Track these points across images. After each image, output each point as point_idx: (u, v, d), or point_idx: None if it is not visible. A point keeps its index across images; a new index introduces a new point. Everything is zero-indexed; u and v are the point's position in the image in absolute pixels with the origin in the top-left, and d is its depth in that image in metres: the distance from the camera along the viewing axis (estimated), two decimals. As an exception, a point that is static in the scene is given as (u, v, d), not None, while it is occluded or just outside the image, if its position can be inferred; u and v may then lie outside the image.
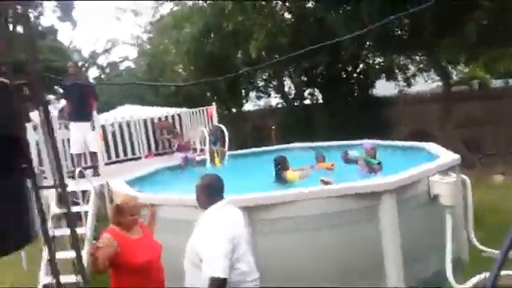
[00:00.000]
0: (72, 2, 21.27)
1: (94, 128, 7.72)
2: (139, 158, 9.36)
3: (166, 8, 17.38)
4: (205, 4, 14.30)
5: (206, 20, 13.35)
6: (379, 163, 6.07)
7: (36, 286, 5.50)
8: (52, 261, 2.09)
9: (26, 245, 1.82)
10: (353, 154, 6.40)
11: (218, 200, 3.04)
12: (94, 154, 7.84)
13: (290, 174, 6.25)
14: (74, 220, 2.01)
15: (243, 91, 17.88)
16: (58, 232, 5.36)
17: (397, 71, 15.06)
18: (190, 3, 15.47)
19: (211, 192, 3.05)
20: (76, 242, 3.06)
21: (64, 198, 2.08)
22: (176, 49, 15.65)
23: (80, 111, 7.48)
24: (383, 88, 15.75)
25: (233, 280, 2.78)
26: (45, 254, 5.62)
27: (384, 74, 15.30)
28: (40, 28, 22.24)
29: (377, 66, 15.59)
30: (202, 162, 8.40)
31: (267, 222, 4.24)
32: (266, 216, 4.23)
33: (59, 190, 2.11)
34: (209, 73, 13.82)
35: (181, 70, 17.02)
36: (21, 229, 1.82)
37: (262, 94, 18.28)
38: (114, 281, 3.20)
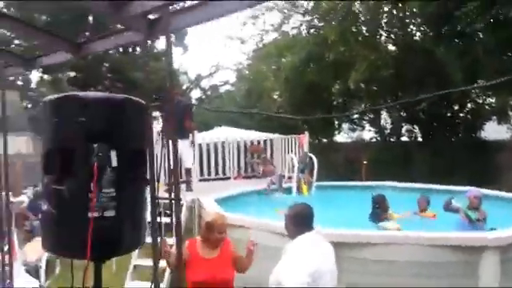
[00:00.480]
0: (186, 30, 23.15)
1: (193, 145, 8.13)
2: (228, 178, 9.62)
3: (270, 37, 18.03)
4: (307, 34, 14.53)
5: (307, 49, 13.53)
6: (478, 219, 5.43)
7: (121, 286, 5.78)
8: (155, 269, 2.17)
9: (135, 249, 1.93)
10: (455, 204, 5.77)
11: (307, 230, 2.92)
12: (188, 170, 8.23)
13: (391, 224, 5.68)
14: (180, 230, 2.09)
15: (336, 122, 17.62)
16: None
17: (511, 113, 13.63)
18: (294, 32, 15.85)
19: (300, 222, 2.95)
20: (157, 253, 3.19)
21: (176, 210, 2.20)
22: (274, 76, 16.06)
23: (180, 129, 7.94)
24: (493, 131, 14.32)
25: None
26: (133, 260, 5.92)
27: (495, 116, 13.94)
28: (155, 51, 24.55)
29: (487, 107, 14.29)
30: (288, 190, 8.32)
31: (356, 261, 3.99)
32: (355, 254, 3.99)
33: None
34: (305, 101, 13.86)
35: (276, 97, 17.39)
36: (134, 233, 1.96)
37: (355, 126, 17.82)
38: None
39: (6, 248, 3.20)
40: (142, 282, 5.59)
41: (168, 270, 5.42)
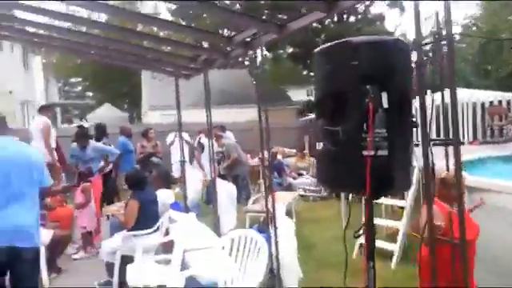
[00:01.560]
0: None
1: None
2: (462, 143, 8.68)
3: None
4: None
5: None
6: None
7: (352, 243, 5.95)
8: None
9: (405, 190, 1.98)
10: None
11: None
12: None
13: None
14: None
15: None
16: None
17: None
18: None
19: None
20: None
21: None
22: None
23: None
24: None
25: None
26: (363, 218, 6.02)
27: None
28: (369, 16, 23.90)
29: None
30: None
31: None
32: None
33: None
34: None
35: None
36: (405, 174, 2.03)
37: None
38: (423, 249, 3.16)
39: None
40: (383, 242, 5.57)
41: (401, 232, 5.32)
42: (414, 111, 2.08)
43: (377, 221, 5.66)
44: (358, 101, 1.87)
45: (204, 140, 8.56)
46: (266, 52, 27.47)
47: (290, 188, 9.07)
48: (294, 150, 11.45)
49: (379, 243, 5.40)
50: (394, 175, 1.93)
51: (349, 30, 21.34)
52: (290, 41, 23.82)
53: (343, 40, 1.96)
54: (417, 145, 2.15)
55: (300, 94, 34.62)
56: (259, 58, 4.04)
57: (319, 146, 2.10)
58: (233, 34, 4.15)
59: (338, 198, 8.43)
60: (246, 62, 28.91)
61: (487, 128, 8.87)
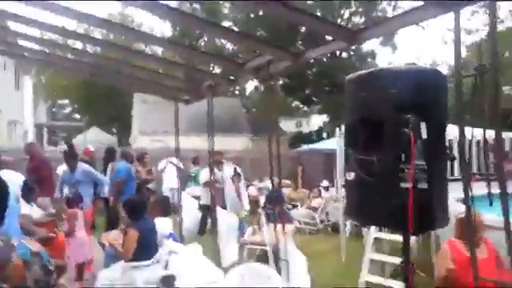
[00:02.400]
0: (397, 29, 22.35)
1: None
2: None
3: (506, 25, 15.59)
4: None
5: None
6: None
7: (354, 280, 5.75)
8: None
9: (443, 226, 1.87)
10: None
11: None
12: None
13: None
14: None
15: None
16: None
17: None
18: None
19: None
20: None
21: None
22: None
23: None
24: None
25: None
26: (367, 253, 5.81)
27: None
28: (361, 52, 24.48)
29: None
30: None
31: None
32: None
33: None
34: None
35: (510, 92, 14.92)
36: (444, 209, 1.94)
37: None
38: None
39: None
40: (379, 278, 5.42)
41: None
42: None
43: (379, 257, 5.51)
44: (396, 130, 1.79)
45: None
46: (256, 82, 27.86)
47: (287, 219, 8.84)
48: (288, 181, 11.31)
49: (381, 280, 5.24)
50: (433, 210, 1.83)
51: (342, 66, 21.77)
52: (283, 72, 24.18)
53: (381, 68, 1.91)
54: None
55: (290, 125, 34.92)
56: (252, 88, 3.97)
57: (349, 175, 2.00)
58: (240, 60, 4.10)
59: (334, 231, 8.27)
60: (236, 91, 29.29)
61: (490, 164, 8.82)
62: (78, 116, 35.24)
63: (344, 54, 24.77)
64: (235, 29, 22.28)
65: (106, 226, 6.59)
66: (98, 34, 20.91)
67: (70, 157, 6.13)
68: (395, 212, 1.78)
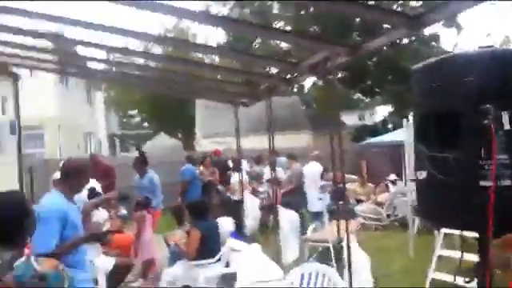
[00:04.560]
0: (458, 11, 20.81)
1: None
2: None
3: None
4: None
5: None
6: None
7: (422, 276, 5.44)
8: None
9: None
10: None
11: None
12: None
13: None
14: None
15: None
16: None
17: None
18: None
19: None
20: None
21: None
22: None
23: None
24: None
25: None
26: (437, 250, 5.50)
27: None
28: (423, 36, 23.10)
29: None
30: None
31: None
32: None
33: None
34: None
35: None
36: None
37: None
38: None
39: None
40: (448, 275, 5.06)
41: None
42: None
43: (448, 253, 5.17)
44: (474, 122, 1.62)
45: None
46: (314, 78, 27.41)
47: (351, 215, 8.59)
48: (354, 176, 10.98)
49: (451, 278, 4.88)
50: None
51: (402, 52, 20.72)
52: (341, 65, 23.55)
53: (453, 54, 1.73)
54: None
55: (352, 119, 33.98)
56: (310, 84, 3.86)
57: (421, 174, 1.85)
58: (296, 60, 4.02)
59: (402, 227, 7.92)
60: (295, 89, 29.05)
61: None
62: (146, 124, 37.15)
63: (405, 40, 23.56)
64: (288, 28, 22.16)
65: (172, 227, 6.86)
66: (158, 49, 21.87)
67: (138, 163, 6.33)
68: (475, 213, 1.60)
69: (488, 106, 1.58)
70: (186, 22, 29.05)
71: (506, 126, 1.61)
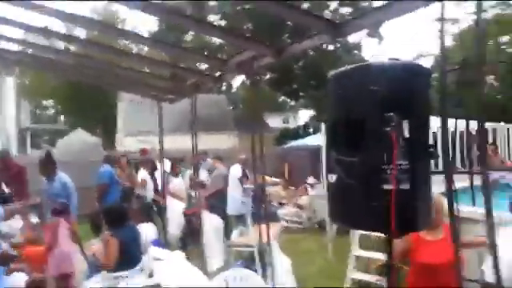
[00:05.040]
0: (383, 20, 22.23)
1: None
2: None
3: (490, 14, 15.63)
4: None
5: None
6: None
7: (341, 277, 5.72)
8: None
9: (426, 227, 1.81)
10: None
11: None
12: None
13: None
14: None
15: None
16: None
17: None
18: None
19: None
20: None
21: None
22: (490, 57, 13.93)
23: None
24: None
25: None
26: (353, 251, 5.79)
27: None
28: (346, 44, 24.39)
29: None
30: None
31: None
32: None
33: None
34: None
35: (493, 81, 15.08)
36: (426, 210, 1.85)
37: None
38: (409, 276, 3.17)
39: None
40: (365, 275, 5.39)
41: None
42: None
43: (361, 253, 5.48)
44: (378, 129, 1.72)
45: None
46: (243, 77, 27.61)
47: (274, 218, 8.78)
48: (277, 179, 11.21)
49: (368, 277, 5.20)
50: (417, 211, 1.77)
51: (328, 59, 21.68)
52: (269, 67, 24.01)
53: (362, 64, 1.82)
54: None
55: (276, 121, 34.80)
56: (238, 83, 3.88)
57: (331, 178, 1.92)
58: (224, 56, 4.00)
59: (321, 228, 8.23)
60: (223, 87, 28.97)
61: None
62: (62, 118, 34.67)
63: (330, 47, 24.72)
64: (222, 22, 22.05)
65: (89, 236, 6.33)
66: (81, 32, 20.49)
67: (46, 165, 5.48)
68: (377, 214, 1.70)
69: (390, 114, 1.69)
70: (116, 5, 27.62)
71: (407, 134, 1.73)
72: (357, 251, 5.75)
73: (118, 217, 4.27)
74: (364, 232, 5.33)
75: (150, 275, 4.12)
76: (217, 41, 20.91)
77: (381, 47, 34.84)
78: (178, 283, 3.65)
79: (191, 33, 22.35)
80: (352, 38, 23.65)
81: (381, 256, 5.47)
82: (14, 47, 4.66)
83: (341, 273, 5.45)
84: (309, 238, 8.03)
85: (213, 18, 21.45)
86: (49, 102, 34.95)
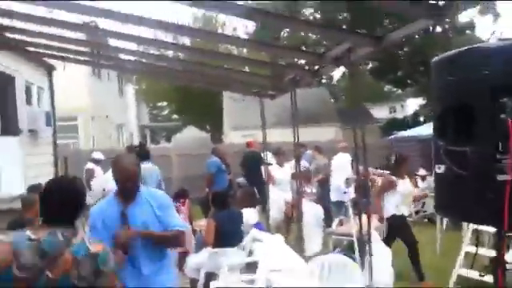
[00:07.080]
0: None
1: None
2: None
3: None
4: None
5: None
6: None
7: (448, 273, 5.33)
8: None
9: None
10: None
11: None
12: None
13: None
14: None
15: None
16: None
17: None
18: None
19: None
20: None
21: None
22: None
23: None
24: None
25: None
26: (464, 246, 5.36)
27: None
28: (457, 25, 22.28)
29: None
30: None
31: None
32: None
33: None
34: None
35: None
36: None
37: None
38: None
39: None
40: (473, 272, 4.92)
41: None
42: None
43: (472, 249, 5.03)
44: (491, 116, 1.59)
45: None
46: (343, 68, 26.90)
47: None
48: (382, 171, 10.77)
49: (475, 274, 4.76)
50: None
51: (435, 42, 20.08)
52: (370, 56, 23.06)
53: (470, 47, 1.70)
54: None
55: (382, 111, 33.26)
56: (339, 75, 3.82)
57: (439, 168, 1.84)
58: (322, 50, 4.01)
59: (431, 222, 7.78)
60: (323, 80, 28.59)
61: None
62: (175, 116, 37.73)
63: (438, 29, 22.81)
64: (317, 15, 21.77)
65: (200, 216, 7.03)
66: (186, 39, 22.03)
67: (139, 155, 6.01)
68: (490, 207, 1.59)
69: (506, 99, 1.56)
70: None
71: (524, 121, 1.58)
72: (467, 247, 5.31)
73: (219, 201, 4.74)
74: (477, 227, 4.92)
75: (250, 253, 4.37)
76: (313, 36, 20.73)
77: (497, 25, 30.98)
78: (275, 262, 3.80)
79: (286, 29, 22.48)
80: (463, 17, 21.47)
81: (492, 253, 4.97)
82: (132, 58, 5.30)
83: (448, 268, 5.13)
84: (417, 231, 7.61)
85: (307, 12, 21.33)
86: (163, 103, 38.25)
